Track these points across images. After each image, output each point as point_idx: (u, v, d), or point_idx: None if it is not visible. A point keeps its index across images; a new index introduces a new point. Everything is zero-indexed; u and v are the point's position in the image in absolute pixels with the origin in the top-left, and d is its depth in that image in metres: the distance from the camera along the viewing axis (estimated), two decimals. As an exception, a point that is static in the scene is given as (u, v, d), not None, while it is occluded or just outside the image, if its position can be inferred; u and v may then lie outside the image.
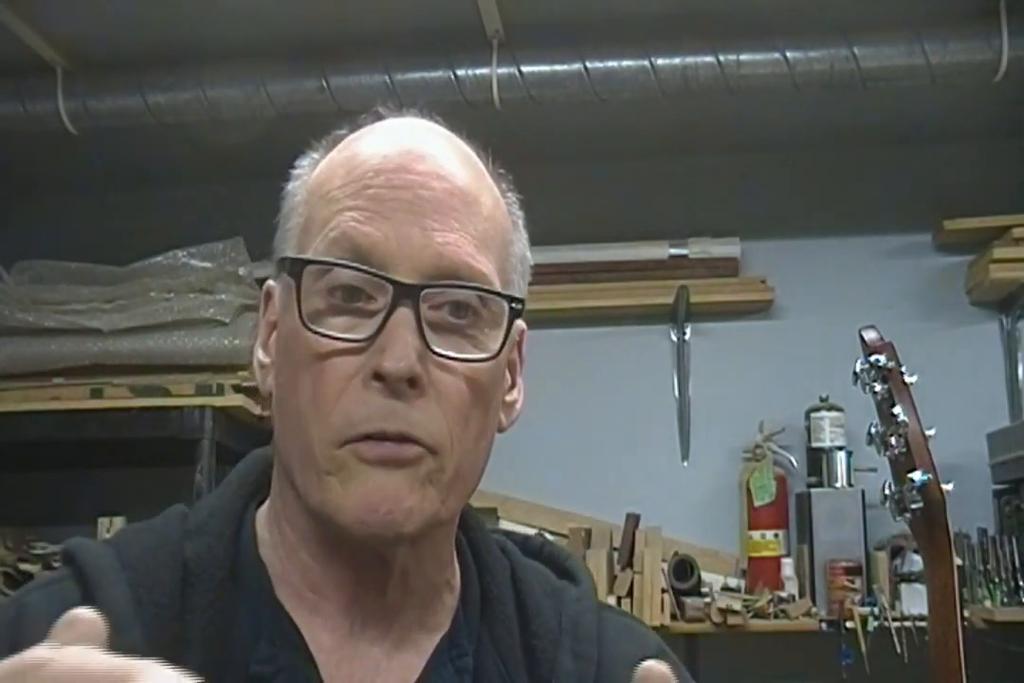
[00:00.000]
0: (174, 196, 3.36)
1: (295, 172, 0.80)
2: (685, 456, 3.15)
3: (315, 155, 0.80)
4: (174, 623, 0.71)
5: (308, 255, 0.73)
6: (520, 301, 0.75)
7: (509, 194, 0.81)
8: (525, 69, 2.59)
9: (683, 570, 2.78)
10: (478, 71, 2.59)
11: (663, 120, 3.02)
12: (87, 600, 0.70)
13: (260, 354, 0.80)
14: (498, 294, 0.74)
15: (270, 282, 0.80)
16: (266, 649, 0.73)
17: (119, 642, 0.68)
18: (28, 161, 3.14)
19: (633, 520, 2.86)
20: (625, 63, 2.57)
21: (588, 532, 2.87)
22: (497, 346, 0.73)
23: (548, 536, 2.97)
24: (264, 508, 0.80)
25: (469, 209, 0.74)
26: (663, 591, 2.72)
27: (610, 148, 3.21)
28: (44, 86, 2.67)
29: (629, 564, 2.78)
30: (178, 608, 0.72)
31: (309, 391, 0.71)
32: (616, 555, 2.82)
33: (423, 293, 0.70)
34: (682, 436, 3.16)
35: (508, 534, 0.91)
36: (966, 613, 2.19)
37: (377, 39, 2.57)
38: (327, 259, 0.71)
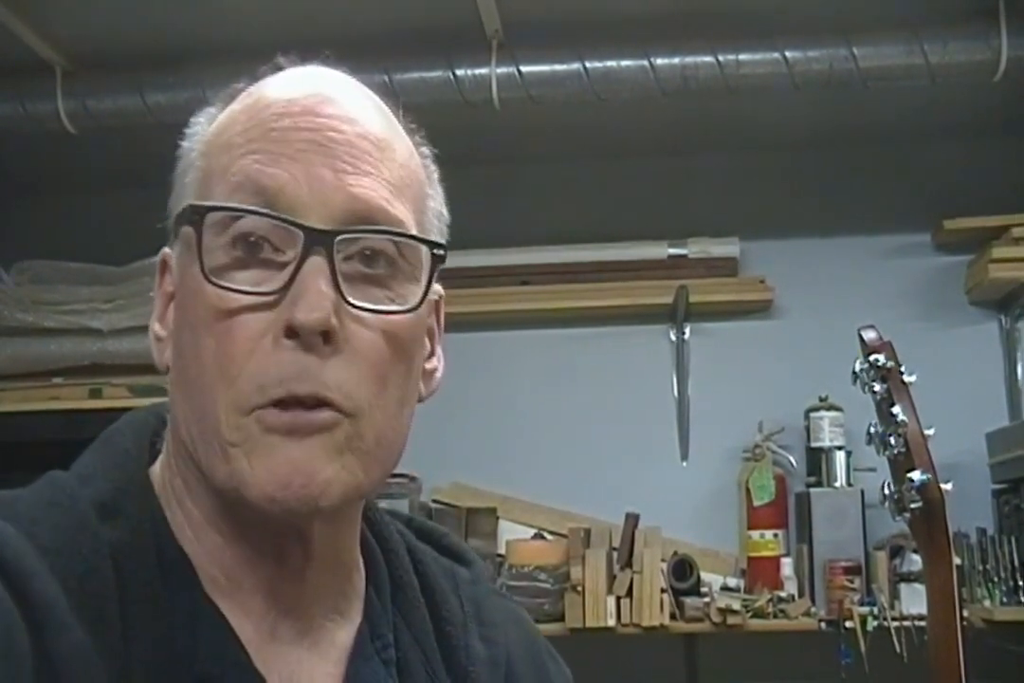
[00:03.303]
0: (174, 196, 3.35)
1: (190, 130, 0.73)
2: (684, 456, 3.15)
3: (212, 110, 0.73)
4: (117, 619, 0.62)
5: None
6: (442, 247, 0.70)
7: (424, 149, 0.75)
8: (524, 69, 2.59)
9: (682, 570, 2.78)
10: (478, 71, 2.59)
11: (663, 120, 3.03)
12: (17, 597, 0.60)
13: (156, 327, 0.74)
14: (419, 238, 0.68)
15: (166, 249, 0.74)
16: (210, 646, 0.66)
17: (61, 644, 0.59)
18: (28, 161, 3.14)
19: (632, 520, 2.86)
20: (624, 63, 2.57)
21: (587, 532, 2.87)
22: (417, 299, 0.68)
23: (548, 536, 2.98)
24: (156, 481, 0.71)
25: (383, 154, 0.68)
26: (662, 591, 2.72)
27: (610, 148, 3.21)
28: (44, 86, 2.67)
29: (628, 564, 2.78)
30: (118, 601, 0.63)
31: (213, 354, 0.64)
32: (615, 555, 2.81)
33: (337, 239, 0.64)
34: (681, 436, 3.16)
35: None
36: (965, 613, 2.18)
37: (377, 39, 2.57)
38: (231, 205, 0.65)
